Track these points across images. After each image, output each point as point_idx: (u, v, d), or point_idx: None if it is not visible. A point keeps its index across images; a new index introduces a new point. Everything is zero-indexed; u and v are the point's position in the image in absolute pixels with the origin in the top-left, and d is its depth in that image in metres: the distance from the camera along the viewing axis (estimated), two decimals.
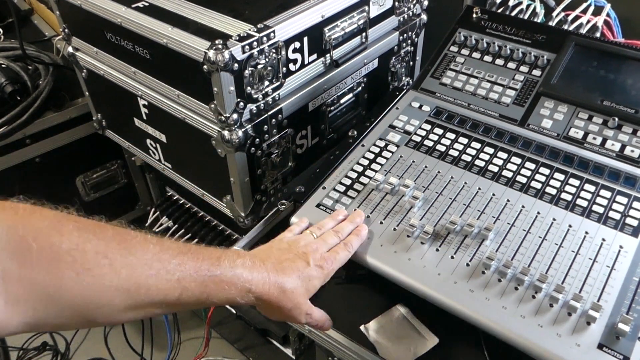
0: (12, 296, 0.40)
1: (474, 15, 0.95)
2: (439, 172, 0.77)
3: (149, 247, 0.48)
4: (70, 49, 1.10)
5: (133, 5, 0.90)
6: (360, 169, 0.80)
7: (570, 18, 0.96)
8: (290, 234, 0.70)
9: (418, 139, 0.83)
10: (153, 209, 1.30)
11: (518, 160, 0.77)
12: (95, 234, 0.45)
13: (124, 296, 0.46)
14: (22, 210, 0.42)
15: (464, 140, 0.82)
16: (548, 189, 0.73)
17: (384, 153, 0.81)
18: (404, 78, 1.19)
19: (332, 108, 1.01)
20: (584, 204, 0.71)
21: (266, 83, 0.83)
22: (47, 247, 0.41)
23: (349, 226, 0.70)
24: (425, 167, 0.78)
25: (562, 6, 0.99)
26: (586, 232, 0.67)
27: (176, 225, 1.25)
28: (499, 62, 0.90)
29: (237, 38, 0.77)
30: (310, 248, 0.64)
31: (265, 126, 0.87)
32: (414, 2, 1.08)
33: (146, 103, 0.98)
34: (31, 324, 0.42)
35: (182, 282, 0.50)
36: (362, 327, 0.71)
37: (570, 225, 0.68)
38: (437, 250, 0.68)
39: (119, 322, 0.49)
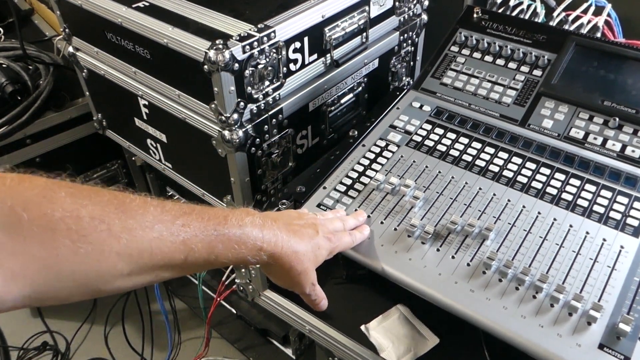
0: (7, 271, 0.37)
1: (475, 15, 0.95)
2: (439, 172, 0.77)
3: (149, 210, 0.46)
4: (70, 49, 1.10)
5: (133, 5, 0.90)
6: (360, 168, 0.80)
7: (570, 18, 0.96)
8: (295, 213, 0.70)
9: (419, 139, 0.83)
10: None
11: (519, 160, 0.77)
12: (90, 199, 0.42)
13: (127, 262, 0.43)
14: (9, 180, 0.39)
15: (465, 140, 0.82)
16: (549, 189, 0.73)
17: (385, 153, 0.81)
18: (404, 78, 1.19)
19: (333, 108, 1.01)
20: (585, 204, 0.71)
21: (267, 83, 0.83)
22: (38, 216, 0.39)
23: (353, 220, 0.71)
24: (426, 167, 0.78)
25: (562, 6, 0.99)
26: (587, 232, 0.67)
27: None
28: (500, 62, 0.90)
29: (238, 38, 0.77)
30: (318, 221, 0.65)
31: (266, 126, 0.87)
32: (415, 2, 1.08)
33: (146, 103, 0.98)
34: (32, 297, 0.40)
35: (187, 243, 0.47)
36: (362, 327, 0.71)
37: (571, 226, 0.68)
38: (438, 250, 0.68)
39: (126, 288, 0.46)
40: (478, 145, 0.81)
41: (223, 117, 0.81)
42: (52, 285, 0.40)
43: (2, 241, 0.37)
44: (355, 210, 0.74)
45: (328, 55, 0.93)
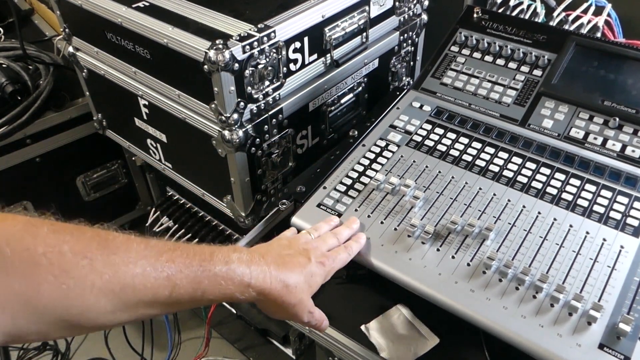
0: None
1: (475, 15, 0.95)
2: (439, 172, 0.77)
3: (132, 246, 0.46)
4: (70, 49, 1.10)
5: (133, 5, 0.90)
6: (361, 168, 0.80)
7: (571, 18, 0.96)
8: (289, 233, 0.69)
9: (419, 138, 0.83)
10: (153, 209, 1.30)
11: (519, 160, 0.77)
12: (72, 235, 0.42)
13: (109, 298, 0.43)
14: None
15: (465, 140, 0.82)
16: (549, 189, 0.73)
17: (385, 153, 0.81)
18: (404, 78, 1.19)
19: (333, 108, 1.01)
20: (585, 204, 0.71)
21: (267, 83, 0.83)
22: (21, 251, 0.39)
23: (347, 231, 0.70)
24: (426, 167, 0.78)
25: (562, 6, 0.99)
26: (587, 232, 0.67)
27: (176, 225, 1.25)
28: (500, 62, 0.89)
29: (238, 38, 0.77)
30: (310, 245, 0.64)
31: (266, 126, 0.87)
32: (415, 2, 1.08)
33: (146, 103, 0.98)
34: (12, 334, 0.39)
35: (172, 279, 0.47)
36: (362, 327, 0.71)
37: (571, 225, 0.68)
38: (438, 250, 0.68)
39: (109, 325, 0.45)
40: (478, 145, 0.81)
41: (223, 117, 0.81)
42: (32, 320, 0.40)
43: None
44: (356, 210, 0.74)
45: (328, 55, 0.93)
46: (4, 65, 1.22)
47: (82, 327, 0.44)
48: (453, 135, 0.83)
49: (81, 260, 0.42)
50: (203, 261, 0.50)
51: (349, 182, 0.78)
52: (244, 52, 0.77)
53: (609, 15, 0.96)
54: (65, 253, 0.41)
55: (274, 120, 0.88)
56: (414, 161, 0.80)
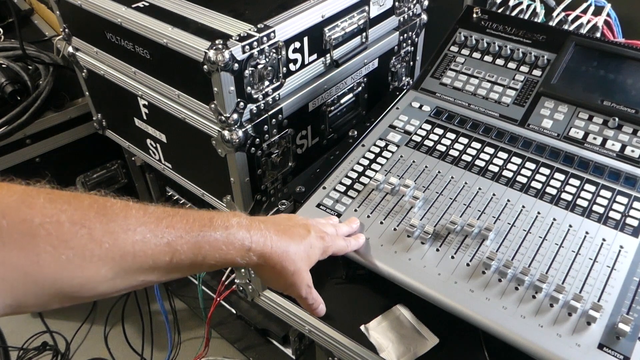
0: None
1: (474, 15, 0.95)
2: (439, 172, 0.77)
3: (131, 212, 0.45)
4: (70, 49, 1.10)
5: (133, 5, 0.90)
6: (360, 169, 0.80)
7: (570, 18, 0.96)
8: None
9: (418, 139, 0.83)
10: None
11: (518, 160, 0.77)
12: (70, 204, 0.41)
13: (110, 266, 0.42)
14: None
15: (464, 140, 0.82)
16: (548, 189, 0.73)
17: (384, 153, 0.81)
18: (404, 78, 1.19)
19: (332, 108, 1.01)
20: (584, 204, 0.71)
21: (266, 83, 0.83)
22: (18, 222, 0.38)
23: (346, 227, 0.70)
24: (426, 167, 0.78)
25: (562, 6, 0.99)
26: (586, 232, 0.67)
27: None
28: (499, 62, 0.90)
29: (237, 38, 0.77)
30: (309, 221, 0.64)
31: (266, 126, 0.87)
32: (414, 2, 1.08)
33: (146, 103, 0.98)
34: (12, 305, 0.39)
35: (172, 244, 0.46)
36: (362, 327, 0.71)
37: (570, 226, 0.68)
38: (438, 250, 0.68)
39: (108, 294, 0.45)
40: (478, 145, 0.81)
41: (223, 117, 0.81)
42: (33, 292, 0.40)
43: None
44: (355, 210, 0.74)
45: (328, 55, 0.93)
46: (3, 66, 1.22)
47: (82, 296, 0.43)
48: (452, 136, 0.83)
49: (80, 229, 0.41)
50: (203, 226, 0.49)
51: (348, 182, 0.78)
52: (244, 52, 0.77)
53: (608, 15, 0.96)
54: (63, 223, 0.40)
55: (274, 120, 0.88)
56: (413, 161, 0.80)
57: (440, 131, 0.84)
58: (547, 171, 0.75)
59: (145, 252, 0.45)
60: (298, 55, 0.88)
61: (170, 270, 0.48)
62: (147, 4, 0.90)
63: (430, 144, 0.82)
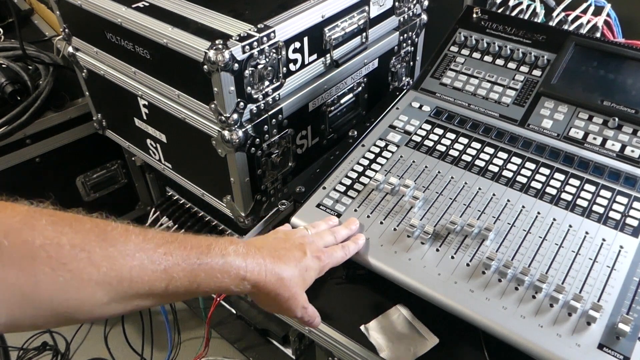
0: None
1: (474, 16, 0.95)
2: (439, 172, 0.77)
3: (130, 238, 0.46)
4: (70, 49, 1.10)
5: (133, 5, 0.90)
6: (360, 169, 0.80)
7: (570, 18, 0.96)
8: (285, 228, 0.69)
9: (418, 139, 0.83)
10: (153, 209, 1.30)
11: (518, 161, 0.77)
12: (71, 227, 0.42)
13: (106, 290, 0.43)
14: None
15: (464, 141, 0.82)
16: (548, 189, 0.73)
17: (384, 153, 0.81)
18: (404, 78, 1.19)
19: (332, 108, 1.01)
20: (584, 204, 0.71)
21: (266, 83, 0.83)
22: (19, 243, 0.39)
23: (345, 230, 0.70)
24: (426, 167, 0.78)
25: (562, 6, 0.99)
26: (586, 232, 0.67)
27: (176, 225, 1.25)
28: (499, 62, 0.90)
29: (238, 38, 0.77)
30: (306, 240, 0.64)
31: (266, 126, 0.87)
32: (414, 2, 1.08)
33: (146, 103, 0.98)
34: (7, 324, 0.39)
35: (169, 272, 0.47)
36: (362, 327, 0.71)
37: (570, 226, 0.68)
38: (437, 250, 0.68)
39: (103, 317, 0.45)
40: (477, 146, 0.81)
41: (223, 117, 0.81)
42: (29, 313, 0.40)
43: None
44: (355, 210, 0.74)
45: (328, 55, 0.93)
46: (3, 66, 1.22)
47: (76, 318, 0.44)
48: (452, 136, 0.83)
49: (79, 252, 0.41)
50: (200, 254, 0.50)
51: (348, 182, 0.78)
52: (244, 52, 0.77)
53: (608, 15, 0.96)
54: (63, 245, 0.41)
55: (274, 120, 0.88)
56: (413, 161, 0.80)
57: (440, 131, 0.84)
58: (547, 171, 0.75)
59: (142, 278, 0.45)
60: (298, 55, 0.88)
61: (165, 297, 0.48)
62: (147, 4, 0.90)
63: (430, 144, 0.82)
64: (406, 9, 1.07)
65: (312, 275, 0.61)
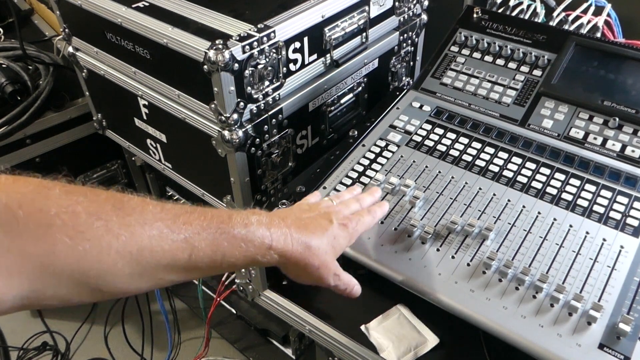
0: (3, 268, 0.37)
1: (475, 16, 0.95)
2: (439, 172, 0.77)
3: (148, 208, 0.45)
4: (70, 49, 1.10)
5: (133, 5, 0.90)
6: (360, 168, 0.80)
7: (570, 18, 0.96)
8: (312, 199, 0.68)
9: (419, 139, 0.83)
10: None
11: (519, 160, 0.77)
12: (85, 197, 0.41)
13: (127, 260, 0.42)
14: (4, 179, 0.39)
15: (465, 140, 0.82)
16: (549, 189, 0.73)
17: (385, 153, 0.81)
18: (404, 78, 1.19)
19: (333, 108, 1.00)
20: (585, 204, 0.71)
21: (266, 83, 0.83)
22: (34, 212, 0.38)
23: (369, 197, 0.68)
24: (426, 167, 0.78)
25: (562, 6, 0.99)
26: (587, 232, 0.67)
27: None
28: (500, 62, 0.90)
29: (238, 38, 0.77)
30: (332, 209, 0.62)
31: (266, 126, 0.87)
32: (414, 2, 1.08)
33: (146, 103, 0.98)
34: (30, 297, 0.39)
35: (190, 241, 0.46)
36: (362, 327, 0.71)
37: (570, 225, 0.68)
38: (438, 250, 0.68)
39: (129, 291, 0.44)
40: (478, 145, 0.81)
41: (223, 117, 0.81)
42: (49, 283, 0.39)
43: None
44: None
45: (328, 55, 0.93)
46: (3, 66, 1.22)
47: (101, 291, 0.43)
48: (453, 135, 0.83)
49: (96, 221, 0.41)
50: (221, 223, 0.49)
51: (348, 182, 0.78)
52: (244, 52, 0.77)
53: (608, 15, 0.96)
54: (79, 214, 0.40)
55: (274, 120, 0.88)
56: (413, 161, 0.80)
57: (440, 131, 0.84)
58: (547, 171, 0.75)
59: (162, 248, 0.44)
60: (298, 55, 0.88)
61: (189, 269, 0.47)
62: (147, 4, 0.90)
63: (431, 144, 0.82)
64: (406, 9, 1.07)
65: (342, 242, 0.60)
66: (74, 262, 0.40)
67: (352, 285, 0.62)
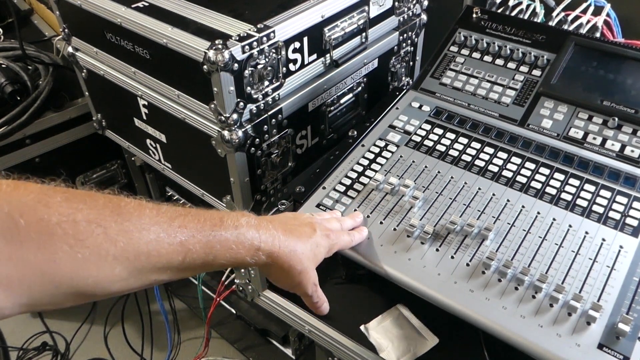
0: (4, 277, 0.37)
1: (474, 15, 0.95)
2: (439, 172, 0.77)
3: (145, 212, 0.46)
4: (70, 49, 1.10)
5: (133, 5, 0.90)
6: (360, 169, 0.80)
7: (570, 18, 0.96)
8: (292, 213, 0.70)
9: (418, 139, 0.83)
10: None
11: (518, 160, 0.77)
12: (85, 203, 0.42)
13: (124, 265, 0.43)
14: (5, 186, 0.39)
15: (464, 140, 0.82)
16: (548, 189, 0.73)
17: (384, 153, 0.82)
18: (403, 78, 1.19)
19: (332, 108, 1.01)
20: (584, 204, 0.71)
21: (266, 83, 0.83)
22: (35, 221, 0.38)
23: (350, 221, 0.70)
24: (425, 167, 0.78)
25: (562, 6, 0.99)
26: (586, 232, 0.67)
27: None
28: (499, 62, 0.90)
29: (237, 38, 0.77)
30: (315, 220, 0.64)
31: (265, 126, 0.87)
32: (414, 2, 1.08)
33: (146, 103, 0.98)
34: (28, 304, 0.39)
35: (185, 244, 0.47)
36: (362, 327, 0.71)
37: (570, 225, 0.68)
38: (437, 250, 0.68)
39: (121, 292, 0.45)
40: (477, 145, 0.81)
41: (222, 117, 0.81)
42: (48, 290, 0.40)
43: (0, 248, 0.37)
44: (355, 210, 0.74)
45: (327, 55, 0.93)
46: (3, 66, 1.22)
47: (95, 295, 0.43)
48: (452, 136, 0.83)
49: (95, 228, 0.41)
50: (214, 226, 0.50)
51: (348, 182, 0.78)
52: (244, 52, 0.77)
53: (608, 15, 0.96)
54: (79, 222, 0.40)
55: (274, 120, 0.88)
56: (413, 161, 0.80)
57: (440, 131, 0.84)
58: (546, 171, 0.75)
59: (159, 252, 0.45)
60: (298, 55, 0.88)
61: (182, 270, 0.48)
62: (147, 4, 0.90)
63: (430, 144, 0.82)
64: (406, 9, 1.07)
65: (322, 252, 0.62)
66: (73, 269, 0.40)
67: (323, 300, 0.65)
